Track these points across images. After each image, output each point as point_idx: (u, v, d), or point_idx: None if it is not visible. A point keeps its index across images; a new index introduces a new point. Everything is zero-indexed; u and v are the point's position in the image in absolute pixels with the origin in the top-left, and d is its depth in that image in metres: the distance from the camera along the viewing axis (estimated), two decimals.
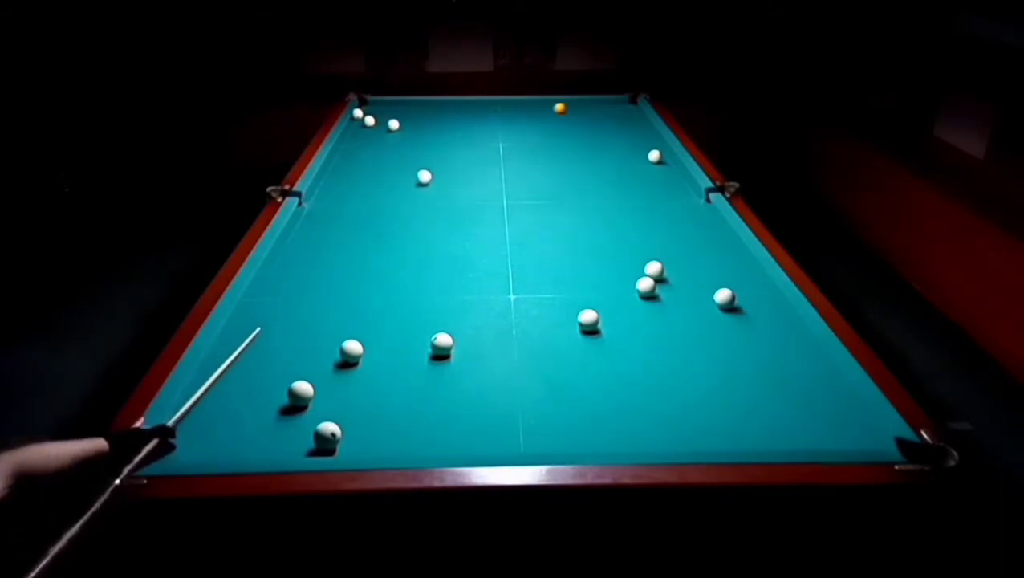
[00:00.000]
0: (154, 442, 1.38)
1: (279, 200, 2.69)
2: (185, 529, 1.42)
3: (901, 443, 1.52)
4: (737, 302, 2.08)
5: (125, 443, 1.38)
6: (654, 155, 3.20)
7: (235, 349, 1.71)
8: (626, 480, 1.41)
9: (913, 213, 3.74)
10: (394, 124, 3.60)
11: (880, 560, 1.49)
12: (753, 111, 5.04)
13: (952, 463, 1.44)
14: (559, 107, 3.73)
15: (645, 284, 2.15)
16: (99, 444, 1.31)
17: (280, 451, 1.54)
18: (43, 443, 1.19)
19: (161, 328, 1.98)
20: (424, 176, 2.97)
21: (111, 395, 1.73)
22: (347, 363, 1.82)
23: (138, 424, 1.55)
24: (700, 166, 3.04)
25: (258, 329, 1.80)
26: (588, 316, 1.97)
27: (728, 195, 2.76)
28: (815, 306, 2.03)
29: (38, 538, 1.01)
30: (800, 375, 1.81)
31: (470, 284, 2.24)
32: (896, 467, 1.46)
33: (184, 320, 1.95)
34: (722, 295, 2.08)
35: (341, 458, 1.51)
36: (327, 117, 3.65)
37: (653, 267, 2.22)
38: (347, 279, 2.28)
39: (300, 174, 2.92)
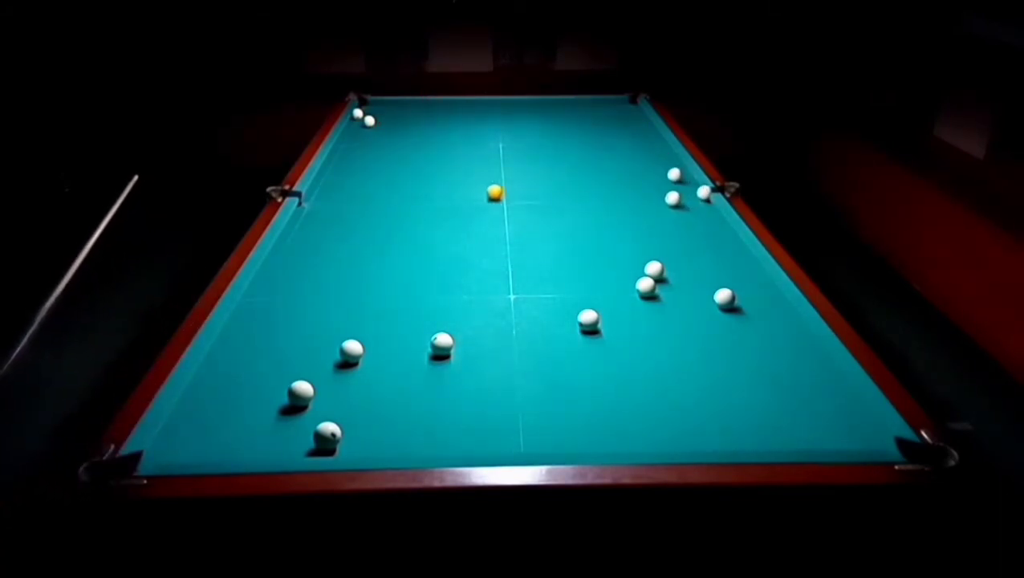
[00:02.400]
0: None
1: (279, 200, 2.69)
2: (185, 529, 1.42)
3: (901, 443, 1.52)
4: (737, 302, 2.08)
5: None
6: (674, 173, 2.97)
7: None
8: (626, 480, 1.41)
9: (913, 213, 3.74)
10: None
11: (880, 560, 1.49)
12: (753, 111, 5.04)
13: (952, 463, 1.45)
14: (495, 192, 2.85)
15: (645, 284, 2.15)
16: None
17: (280, 451, 1.54)
18: None
19: (161, 328, 1.98)
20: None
21: (111, 395, 1.73)
22: (347, 363, 1.82)
23: (137, 423, 1.55)
24: (700, 166, 3.04)
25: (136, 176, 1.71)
26: (588, 316, 1.97)
27: (728, 195, 2.76)
28: (815, 306, 2.03)
29: None
30: (800, 375, 1.81)
31: (470, 284, 2.24)
32: (896, 467, 1.46)
33: (184, 320, 1.95)
34: (722, 295, 2.08)
35: (341, 458, 1.51)
36: (327, 117, 3.65)
37: (653, 267, 2.22)
38: (347, 279, 2.28)
39: (300, 174, 2.92)
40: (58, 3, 4.41)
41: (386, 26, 5.04)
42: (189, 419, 1.63)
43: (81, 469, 1.39)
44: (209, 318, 1.96)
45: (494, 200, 2.81)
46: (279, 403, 1.66)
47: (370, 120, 3.66)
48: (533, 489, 1.41)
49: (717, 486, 1.43)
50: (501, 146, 3.43)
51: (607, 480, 1.41)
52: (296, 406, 1.65)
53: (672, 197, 2.75)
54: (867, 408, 1.67)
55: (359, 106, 3.88)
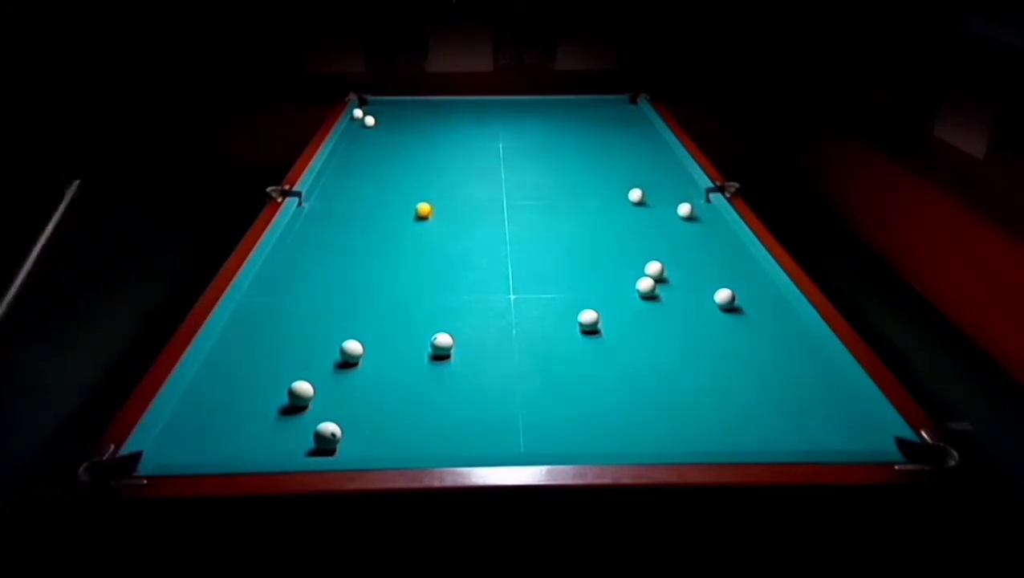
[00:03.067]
0: None
1: (279, 200, 2.69)
2: (185, 529, 1.42)
3: (901, 443, 1.52)
4: (737, 302, 2.08)
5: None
6: (635, 194, 2.81)
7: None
8: (626, 480, 1.41)
9: (913, 213, 3.74)
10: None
11: (880, 560, 1.49)
12: (754, 111, 5.04)
13: (952, 463, 1.45)
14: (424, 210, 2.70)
15: (645, 284, 2.15)
16: None
17: (280, 451, 1.54)
18: None
19: (161, 328, 1.98)
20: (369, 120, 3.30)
21: (111, 395, 1.73)
22: (347, 363, 1.82)
23: (137, 423, 1.55)
24: (700, 166, 3.04)
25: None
26: (588, 316, 1.96)
27: (728, 195, 2.76)
28: (815, 306, 2.03)
29: None
30: (800, 375, 1.81)
31: (470, 284, 2.24)
32: (896, 467, 1.46)
33: (184, 319, 1.95)
34: (722, 295, 2.08)
35: (341, 458, 1.51)
36: (327, 117, 3.65)
37: (653, 267, 2.22)
38: (347, 279, 2.28)
39: (300, 174, 2.92)
40: (58, 3, 4.41)
41: (386, 26, 5.04)
42: (189, 419, 1.63)
43: (81, 469, 1.39)
44: (209, 318, 1.96)
45: (422, 219, 2.66)
46: (279, 403, 1.66)
47: (370, 120, 3.66)
48: (533, 489, 1.41)
49: (717, 486, 1.43)
50: (501, 146, 3.43)
51: (607, 480, 1.41)
52: (296, 406, 1.65)
53: (684, 209, 2.67)
54: (867, 408, 1.67)
55: (359, 106, 3.88)
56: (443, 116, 3.85)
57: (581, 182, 3.05)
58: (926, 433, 1.53)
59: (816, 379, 1.79)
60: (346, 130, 3.58)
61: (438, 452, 1.53)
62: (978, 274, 3.22)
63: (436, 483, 1.40)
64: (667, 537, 1.49)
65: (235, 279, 2.16)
